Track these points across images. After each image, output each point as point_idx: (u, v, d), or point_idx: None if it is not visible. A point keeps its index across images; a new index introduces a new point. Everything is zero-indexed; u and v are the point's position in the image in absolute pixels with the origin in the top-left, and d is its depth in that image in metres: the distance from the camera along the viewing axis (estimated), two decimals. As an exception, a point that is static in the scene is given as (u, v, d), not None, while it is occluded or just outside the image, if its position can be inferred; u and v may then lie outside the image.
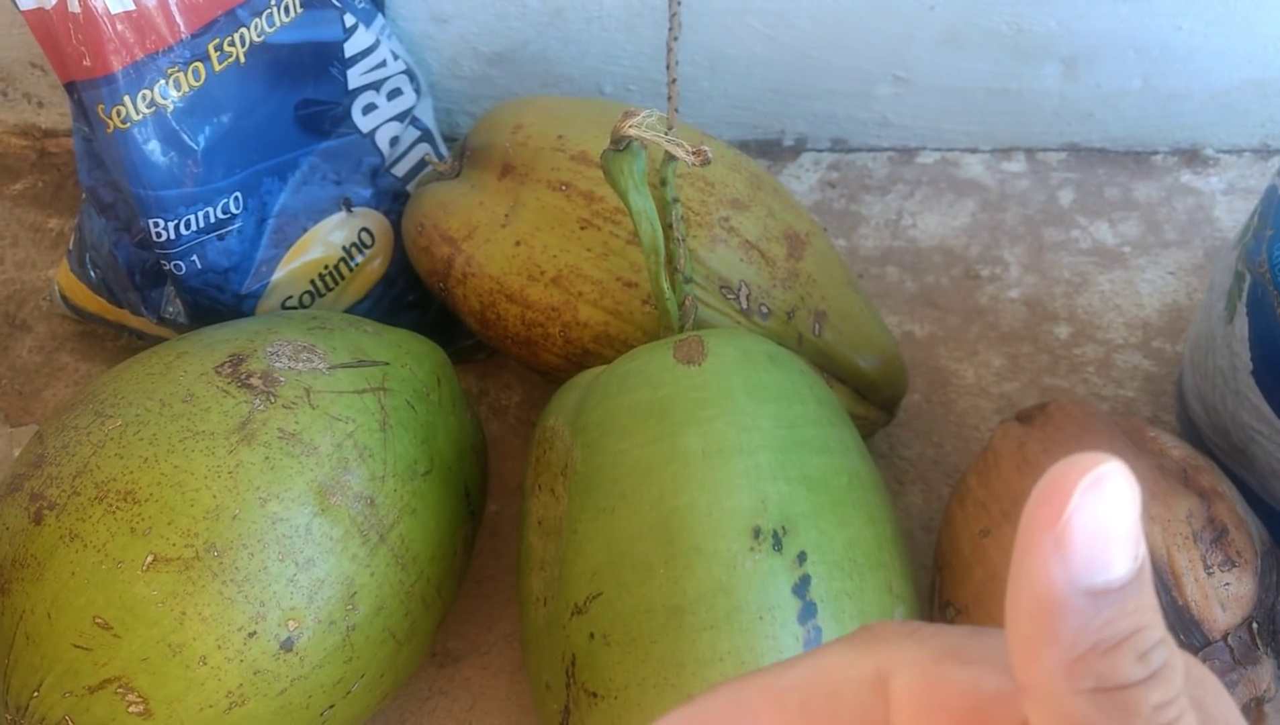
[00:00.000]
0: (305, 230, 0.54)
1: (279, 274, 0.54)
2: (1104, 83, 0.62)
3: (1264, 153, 0.64)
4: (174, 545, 0.39)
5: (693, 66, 0.62)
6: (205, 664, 0.39)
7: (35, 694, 0.39)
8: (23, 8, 0.47)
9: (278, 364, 0.43)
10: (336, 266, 0.55)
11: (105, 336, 0.63)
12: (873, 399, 0.52)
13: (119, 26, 0.46)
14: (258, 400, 0.42)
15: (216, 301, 0.53)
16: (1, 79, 0.68)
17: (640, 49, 0.62)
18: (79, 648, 0.39)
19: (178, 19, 0.48)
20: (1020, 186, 0.65)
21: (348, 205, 0.56)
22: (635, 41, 0.62)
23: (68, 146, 0.71)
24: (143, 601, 0.39)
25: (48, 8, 0.46)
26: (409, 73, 0.58)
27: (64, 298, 0.61)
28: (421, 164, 0.59)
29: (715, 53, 0.62)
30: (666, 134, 0.43)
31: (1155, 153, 0.65)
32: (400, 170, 0.58)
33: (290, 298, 0.54)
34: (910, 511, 0.54)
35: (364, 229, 0.56)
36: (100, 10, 0.46)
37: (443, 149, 0.62)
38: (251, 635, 0.40)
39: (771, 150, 0.67)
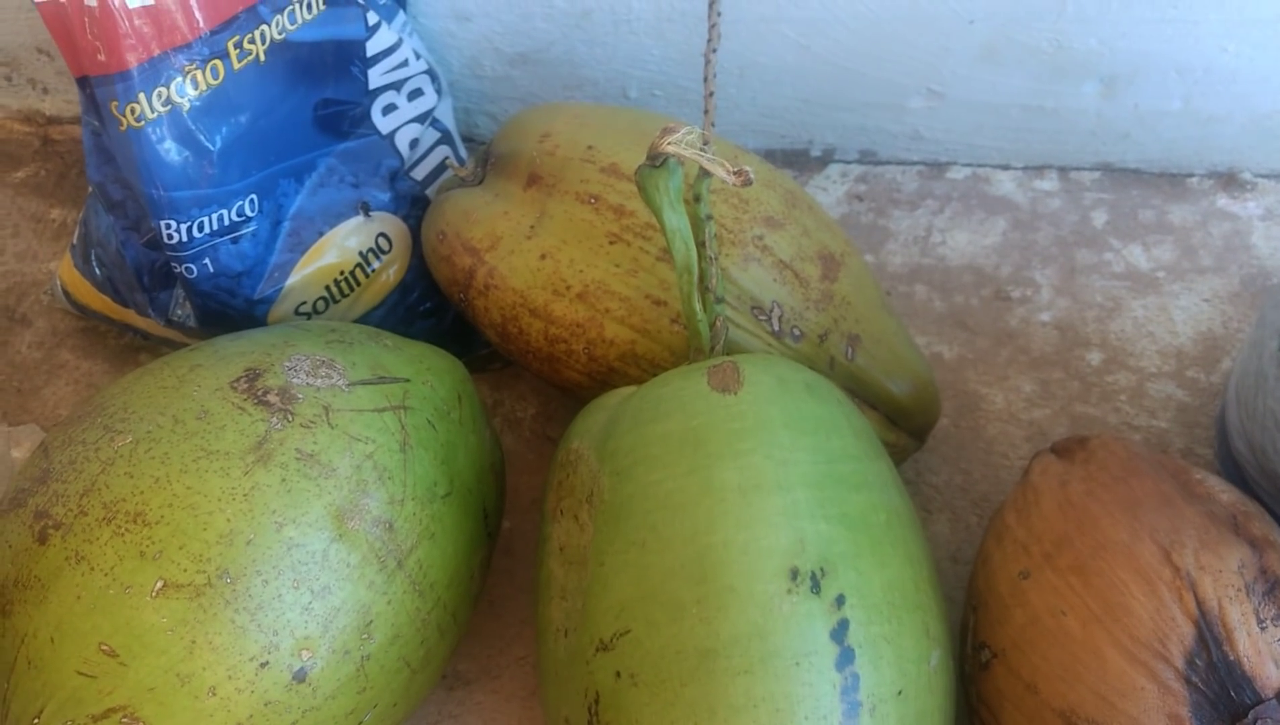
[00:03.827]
0: (321, 234, 0.53)
1: (293, 279, 0.52)
2: (1143, 103, 0.60)
3: (1303, 178, 0.63)
4: (185, 571, 0.38)
5: (722, 74, 0.61)
6: (215, 695, 0.38)
7: (36, 721, 0.38)
8: (37, 0, 0.45)
9: (295, 380, 0.42)
10: (352, 272, 0.53)
11: (108, 333, 0.61)
12: (904, 426, 0.50)
13: (136, 21, 0.45)
14: (275, 418, 0.40)
15: (228, 306, 0.51)
16: (5, 64, 0.66)
17: (668, 54, 0.60)
18: (83, 675, 0.37)
19: (197, 15, 0.46)
20: (1052, 206, 0.63)
21: (365, 209, 0.54)
22: (663, 46, 0.60)
23: (72, 134, 0.69)
24: (151, 629, 0.37)
25: (63, 0, 0.44)
26: (430, 73, 0.56)
27: (66, 293, 0.59)
28: (441, 167, 0.57)
29: (746, 60, 0.60)
30: (705, 151, 0.41)
31: (1191, 175, 0.64)
32: (419, 173, 0.56)
33: (304, 303, 0.53)
34: (937, 541, 0.53)
35: (381, 234, 0.54)
36: (117, 4, 0.44)
37: (462, 151, 0.60)
38: (264, 665, 0.38)
39: (799, 160, 0.66)
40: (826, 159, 0.66)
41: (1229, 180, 0.63)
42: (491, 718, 0.50)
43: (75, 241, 0.57)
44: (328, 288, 0.53)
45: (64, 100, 0.68)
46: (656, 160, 0.42)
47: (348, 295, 0.54)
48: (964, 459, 0.55)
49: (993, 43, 0.58)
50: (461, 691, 0.50)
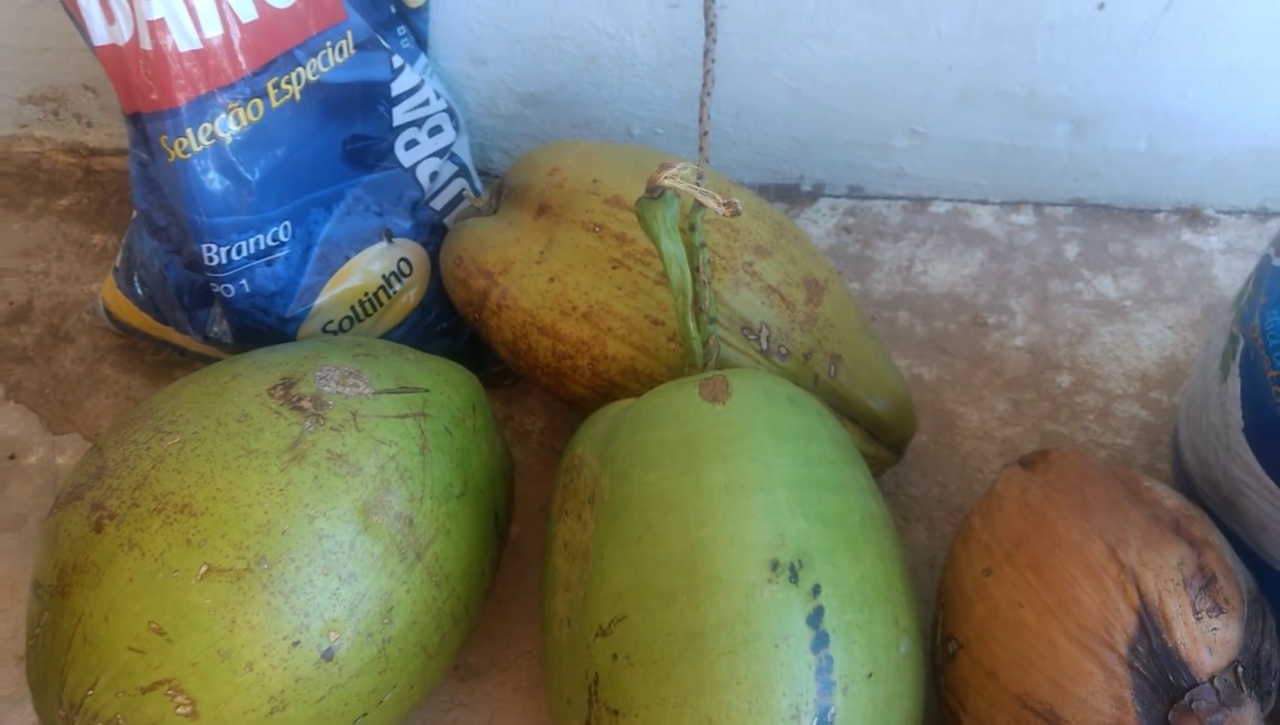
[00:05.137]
0: (347, 259, 0.57)
1: (321, 299, 0.56)
2: (1111, 143, 0.64)
3: (1262, 215, 0.67)
4: (227, 557, 0.42)
5: (719, 114, 0.65)
6: (251, 670, 0.42)
7: (90, 693, 0.42)
8: (96, 43, 0.49)
9: (326, 388, 0.46)
10: (376, 294, 0.58)
11: (145, 350, 0.66)
12: (883, 439, 0.55)
13: (186, 63, 0.49)
14: (308, 422, 0.45)
15: (261, 324, 0.55)
16: (54, 99, 0.71)
17: (669, 95, 0.65)
18: (134, 650, 0.41)
19: (240, 58, 0.51)
20: (1028, 238, 0.67)
21: (389, 236, 0.58)
22: (664, 88, 0.65)
23: (113, 165, 0.74)
24: (196, 609, 0.41)
25: (120, 44, 0.49)
26: (449, 111, 0.61)
27: (108, 312, 0.63)
28: (458, 198, 0.62)
29: (741, 102, 0.65)
30: (699, 185, 0.46)
31: (1158, 211, 0.68)
32: (438, 204, 0.61)
33: (331, 322, 0.57)
34: (915, 548, 0.57)
35: (403, 259, 0.59)
36: (169, 47, 0.48)
37: (478, 184, 0.64)
38: (295, 644, 0.42)
39: (790, 195, 0.70)
40: (817, 194, 0.70)
41: (1193, 216, 0.67)
42: (499, 706, 0.53)
43: (118, 264, 0.62)
44: (353, 308, 0.57)
45: (106, 134, 0.73)
46: (655, 192, 0.47)
47: (371, 315, 0.58)
48: (941, 472, 0.59)
49: (970, 87, 0.62)
50: (472, 682, 0.54)
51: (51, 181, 0.74)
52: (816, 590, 0.41)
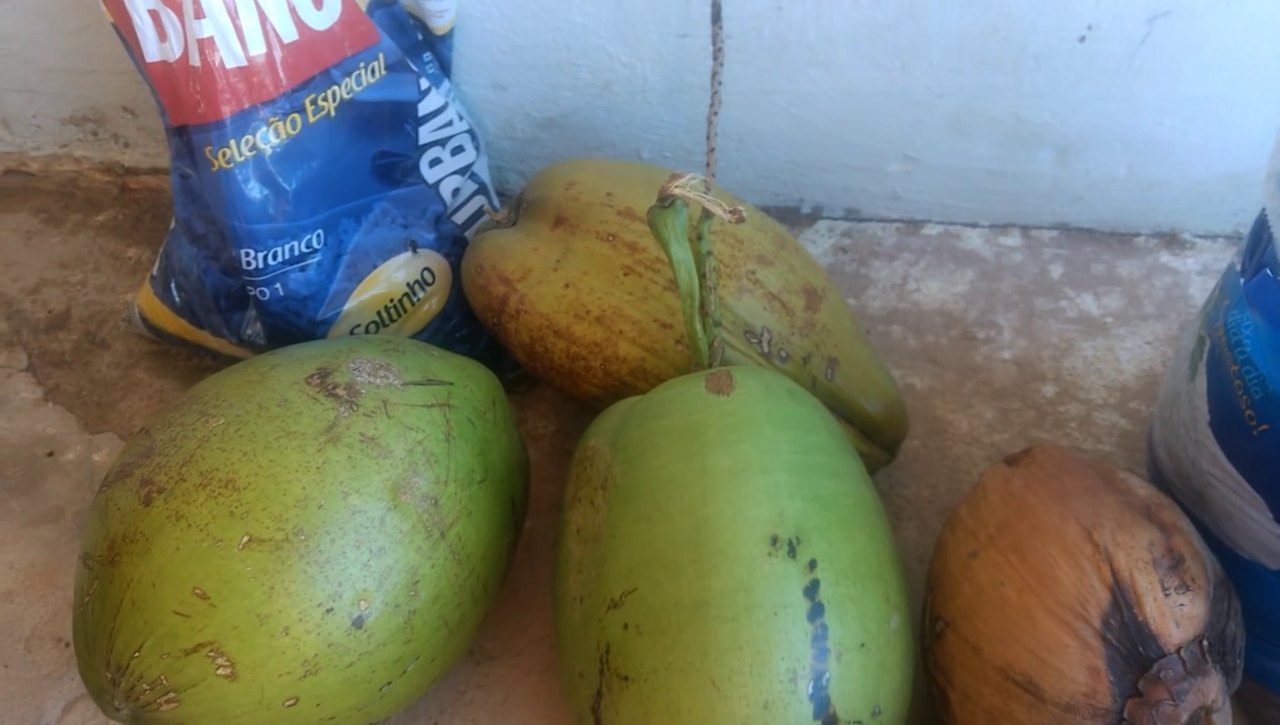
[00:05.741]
0: (375, 267, 0.61)
1: (350, 304, 0.60)
2: (1093, 169, 0.68)
3: (1236, 238, 0.71)
4: (267, 528, 0.45)
5: (724, 138, 0.69)
6: (288, 634, 0.45)
7: (136, 654, 0.45)
8: (148, 60, 0.53)
9: (359, 378, 0.50)
10: (400, 301, 0.62)
11: (178, 356, 0.69)
12: (876, 439, 0.58)
13: (231, 79, 0.53)
14: (342, 408, 0.48)
15: (294, 326, 0.59)
16: (94, 120, 0.75)
17: (677, 120, 0.69)
18: (179, 614, 0.44)
19: (281, 75, 0.54)
20: (1015, 259, 0.71)
21: (414, 247, 0.62)
22: (673, 114, 0.69)
23: (147, 184, 0.78)
24: (237, 576, 0.44)
25: (171, 60, 0.53)
26: (471, 132, 0.65)
27: (144, 319, 0.67)
28: (478, 213, 0.65)
29: (744, 127, 0.69)
30: (706, 194, 0.50)
31: (1138, 235, 0.72)
32: (460, 218, 0.65)
33: (358, 326, 0.61)
34: (906, 544, 0.60)
35: (426, 268, 0.63)
36: (217, 64, 0.52)
37: (495, 201, 0.68)
38: (329, 611, 0.45)
39: (790, 216, 0.74)
40: (815, 215, 0.74)
41: (1171, 240, 0.71)
42: (512, 688, 0.56)
43: (155, 273, 0.65)
44: (378, 313, 0.61)
45: (141, 154, 0.77)
46: (665, 201, 0.50)
47: (395, 321, 0.62)
48: (931, 475, 0.63)
49: (959, 115, 0.66)
50: (487, 665, 0.57)
51: (89, 198, 0.77)
52: (813, 565, 0.45)
